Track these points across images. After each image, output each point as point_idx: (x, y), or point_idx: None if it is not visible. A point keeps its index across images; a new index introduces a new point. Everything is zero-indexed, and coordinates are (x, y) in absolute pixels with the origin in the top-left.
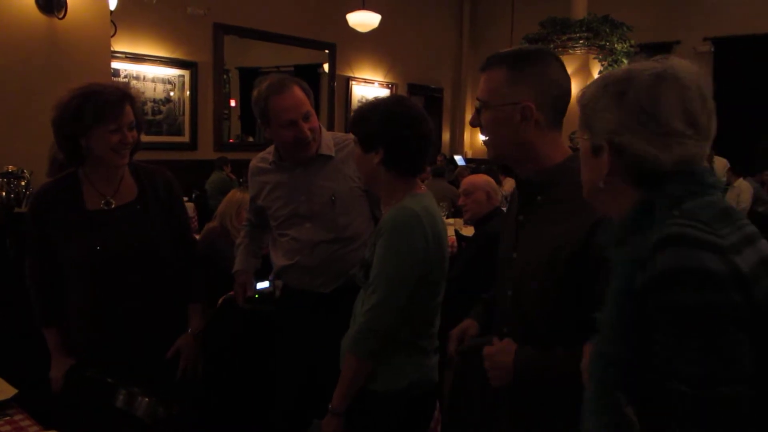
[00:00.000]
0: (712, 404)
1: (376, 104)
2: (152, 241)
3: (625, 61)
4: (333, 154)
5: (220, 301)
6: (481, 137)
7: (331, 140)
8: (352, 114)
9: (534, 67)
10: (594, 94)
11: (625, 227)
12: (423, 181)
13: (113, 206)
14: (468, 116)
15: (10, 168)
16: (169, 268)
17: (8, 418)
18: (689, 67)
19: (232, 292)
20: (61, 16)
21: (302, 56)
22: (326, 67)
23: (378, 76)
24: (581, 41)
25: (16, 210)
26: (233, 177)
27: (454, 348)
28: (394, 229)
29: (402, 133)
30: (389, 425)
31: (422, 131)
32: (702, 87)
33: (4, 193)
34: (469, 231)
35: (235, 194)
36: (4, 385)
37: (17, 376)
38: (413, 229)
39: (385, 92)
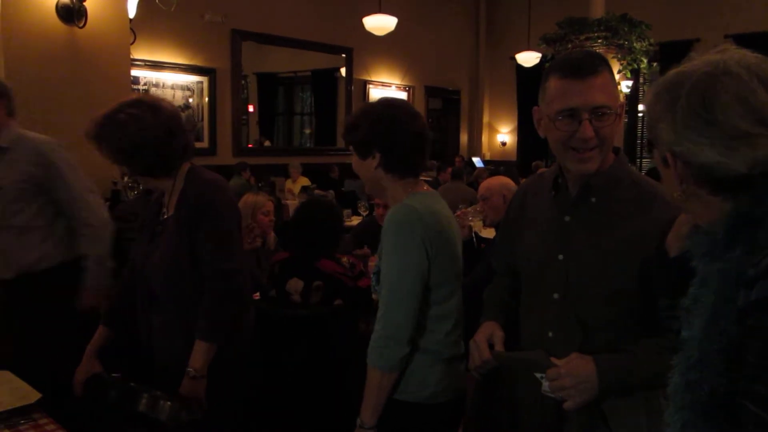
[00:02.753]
0: None
1: (366, 110)
2: (176, 259)
3: (645, 60)
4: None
5: None
6: (590, 150)
7: (13, 135)
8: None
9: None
10: (650, 102)
11: (718, 240)
12: (442, 184)
13: (165, 217)
14: (486, 118)
15: None
16: (188, 290)
17: (33, 422)
18: (746, 58)
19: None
20: (81, 25)
21: (319, 61)
22: (343, 71)
23: (395, 79)
24: (599, 41)
25: None
26: (253, 182)
27: (486, 355)
28: (393, 229)
29: (396, 134)
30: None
31: (416, 129)
32: (767, 77)
33: None
34: (490, 233)
35: (248, 197)
36: (28, 389)
37: (41, 380)
38: (412, 227)
39: (402, 95)
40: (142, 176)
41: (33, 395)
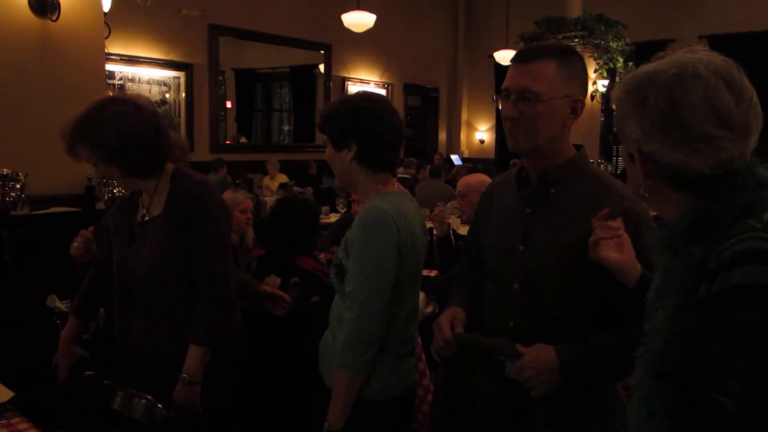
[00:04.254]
0: (752, 424)
1: (344, 101)
2: (162, 261)
3: (620, 59)
4: None
5: None
6: (510, 127)
7: None
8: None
9: (579, 62)
10: (619, 99)
11: (680, 235)
12: (420, 181)
13: (146, 219)
14: (465, 115)
15: (5, 171)
16: (179, 292)
17: (5, 421)
18: (714, 61)
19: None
20: (54, 18)
21: (298, 57)
22: (322, 67)
23: (374, 77)
24: (576, 40)
25: (12, 213)
26: (229, 178)
27: (447, 334)
28: (366, 233)
29: (373, 128)
30: (360, 430)
31: (393, 124)
32: (733, 80)
33: None
34: (466, 230)
35: (228, 195)
36: (0, 388)
37: (14, 379)
38: (384, 231)
39: (381, 92)
40: (128, 176)
41: (5, 394)
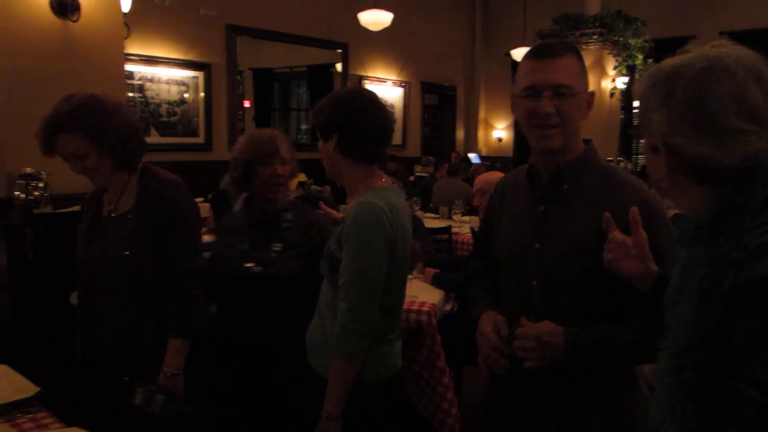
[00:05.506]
0: None
1: (332, 95)
2: (131, 256)
3: (640, 56)
4: None
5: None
6: (543, 125)
7: None
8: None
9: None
10: (643, 92)
11: (703, 227)
12: (438, 180)
13: (114, 215)
14: (482, 113)
15: (28, 170)
16: (152, 289)
17: (31, 415)
18: (743, 55)
19: None
20: (75, 19)
21: (315, 56)
22: (339, 66)
23: (391, 75)
24: (594, 37)
25: (35, 211)
26: None
27: (496, 341)
28: (358, 227)
29: (353, 118)
30: (357, 415)
31: (376, 118)
32: (761, 75)
33: (23, 195)
34: None
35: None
36: (26, 383)
37: (38, 374)
38: (377, 226)
39: (398, 91)
40: (117, 169)
41: (31, 389)
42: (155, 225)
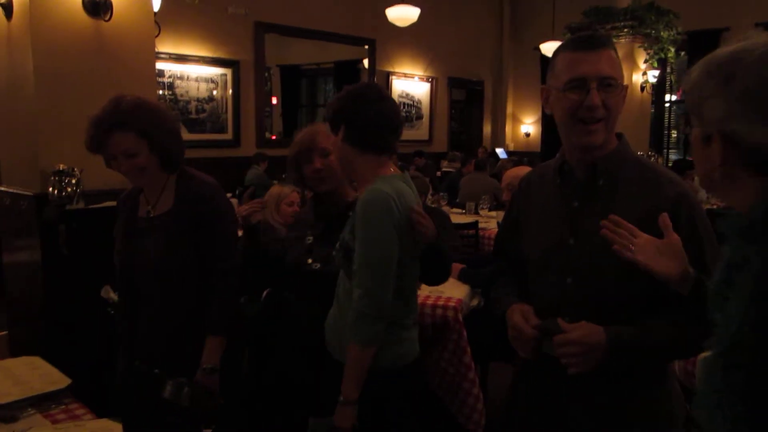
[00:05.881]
0: None
1: (343, 90)
2: (170, 256)
3: (672, 49)
4: None
5: (264, 294)
6: (589, 119)
7: None
8: None
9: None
10: (698, 79)
11: (756, 222)
12: (465, 175)
13: (152, 215)
14: (510, 108)
15: (61, 167)
16: (189, 288)
17: (64, 406)
18: None
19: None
20: (107, 18)
21: (342, 52)
22: (366, 62)
23: (418, 71)
24: (626, 30)
25: (68, 207)
26: (265, 174)
27: (529, 331)
28: (367, 214)
29: (357, 109)
30: (376, 400)
31: (382, 108)
32: None
33: (56, 191)
34: None
35: (274, 189)
36: (59, 375)
37: (70, 366)
38: (386, 212)
39: (425, 86)
40: (163, 168)
41: (63, 381)
42: (194, 226)
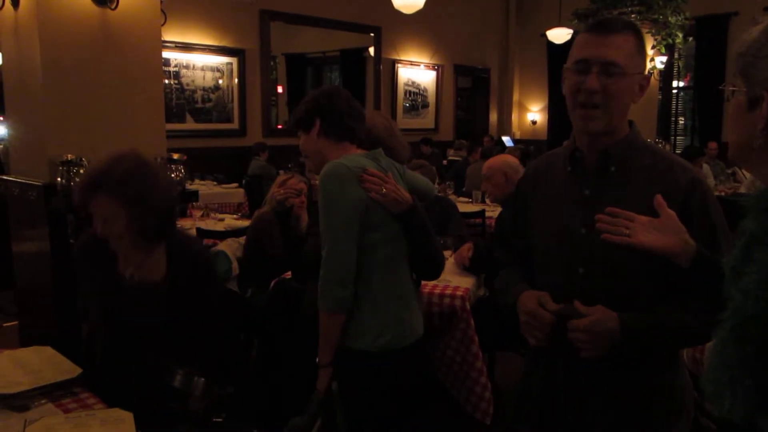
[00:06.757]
0: None
1: (309, 94)
2: (168, 323)
3: (680, 35)
4: None
5: (272, 284)
6: (585, 104)
7: None
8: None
9: (644, 38)
10: (756, 39)
11: None
12: (471, 164)
13: (137, 279)
14: (516, 96)
15: (69, 156)
16: (186, 350)
17: (75, 396)
18: None
19: (286, 275)
20: (113, 7)
21: (348, 40)
22: (372, 50)
23: (424, 58)
24: (633, 15)
25: None
26: (267, 164)
27: (546, 316)
28: (323, 183)
29: (330, 99)
30: (373, 380)
31: (349, 101)
32: None
33: (64, 181)
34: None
35: (280, 179)
36: (70, 365)
37: (81, 356)
38: (341, 177)
39: (431, 74)
40: (138, 237)
41: (74, 370)
42: (192, 290)
